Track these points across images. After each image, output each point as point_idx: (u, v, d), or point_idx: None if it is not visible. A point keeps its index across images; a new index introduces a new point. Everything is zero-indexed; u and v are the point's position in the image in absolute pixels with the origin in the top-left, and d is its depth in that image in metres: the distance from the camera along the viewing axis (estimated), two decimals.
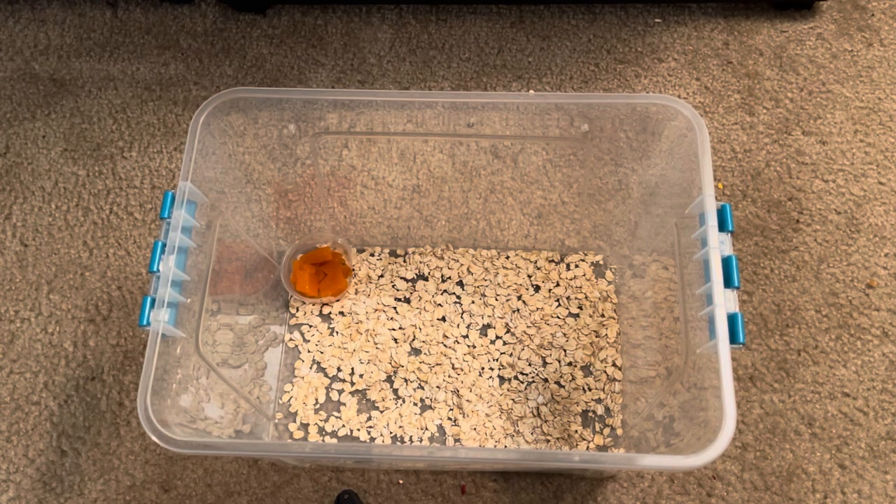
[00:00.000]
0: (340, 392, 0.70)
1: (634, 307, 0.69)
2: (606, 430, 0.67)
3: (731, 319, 0.48)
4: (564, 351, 0.70)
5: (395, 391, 0.70)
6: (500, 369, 0.70)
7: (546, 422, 0.68)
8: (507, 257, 0.75)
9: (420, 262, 0.75)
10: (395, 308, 0.73)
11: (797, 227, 0.76)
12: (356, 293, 0.74)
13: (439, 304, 0.73)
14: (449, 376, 0.70)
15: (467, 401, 0.69)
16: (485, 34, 0.88)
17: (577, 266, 0.75)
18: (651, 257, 0.66)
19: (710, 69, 0.85)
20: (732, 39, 0.86)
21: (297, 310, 0.74)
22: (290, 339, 0.72)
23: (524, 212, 0.71)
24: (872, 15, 0.87)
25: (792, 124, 0.81)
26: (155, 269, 0.51)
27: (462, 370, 0.70)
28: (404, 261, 0.76)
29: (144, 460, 0.67)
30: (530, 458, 0.56)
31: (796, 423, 0.67)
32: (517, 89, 0.84)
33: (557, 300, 0.73)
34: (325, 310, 0.73)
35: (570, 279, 0.74)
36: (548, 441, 0.67)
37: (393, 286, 0.74)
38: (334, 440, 0.68)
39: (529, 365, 0.70)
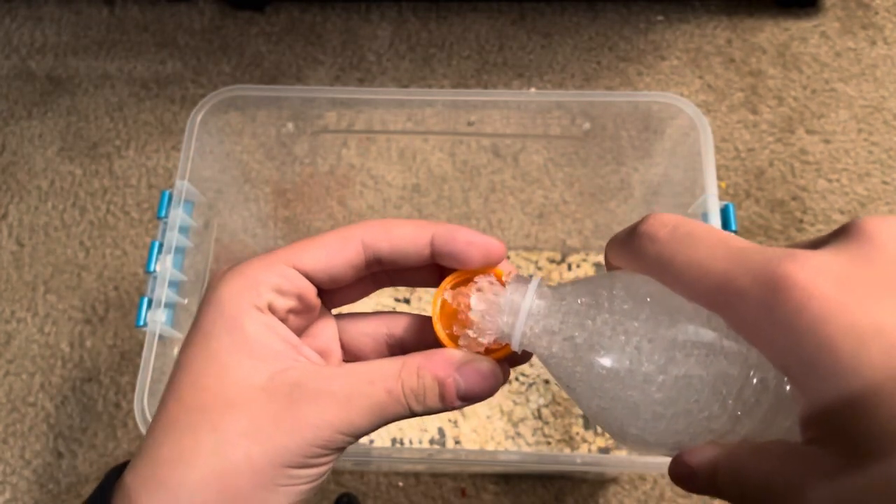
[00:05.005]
0: None
1: None
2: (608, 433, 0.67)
3: None
4: None
5: None
6: None
7: (547, 423, 0.67)
8: (508, 257, 0.75)
9: None
10: (394, 308, 0.72)
11: (801, 227, 0.75)
12: None
13: None
14: None
15: None
16: (485, 31, 0.87)
17: (578, 266, 0.74)
18: None
19: (713, 67, 0.84)
20: (735, 37, 0.86)
21: None
22: None
23: (525, 211, 0.71)
24: (876, 13, 0.87)
25: (795, 123, 0.81)
26: (152, 269, 0.50)
27: None
28: None
29: None
30: (531, 461, 0.55)
31: None
32: (518, 87, 0.84)
33: None
34: None
35: (572, 279, 0.73)
36: (549, 443, 0.66)
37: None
38: None
39: (530, 366, 0.69)
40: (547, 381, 0.69)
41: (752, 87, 0.83)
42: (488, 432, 0.67)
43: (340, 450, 0.25)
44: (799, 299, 0.18)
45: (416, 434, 0.67)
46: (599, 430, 0.67)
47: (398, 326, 0.29)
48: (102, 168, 0.80)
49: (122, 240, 0.76)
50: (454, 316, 0.26)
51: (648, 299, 0.22)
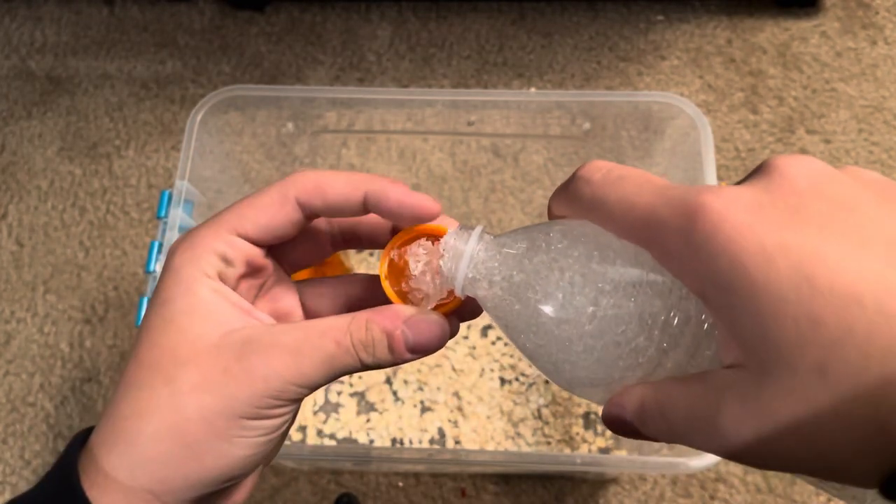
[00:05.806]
0: (339, 393, 0.69)
1: None
2: (608, 432, 0.67)
3: None
4: None
5: (395, 392, 0.69)
6: (500, 370, 0.69)
7: (547, 423, 0.67)
8: None
9: None
10: None
11: None
12: None
13: None
14: (449, 378, 0.69)
15: (468, 402, 0.68)
16: (485, 31, 0.87)
17: None
18: None
19: (714, 67, 0.84)
20: (735, 37, 0.86)
21: None
22: None
23: (525, 211, 0.71)
24: (876, 13, 0.87)
25: (796, 123, 0.81)
26: (152, 269, 0.50)
27: (462, 371, 0.69)
28: None
29: None
30: (531, 461, 0.55)
31: None
32: (518, 87, 0.84)
33: None
34: None
35: None
36: (549, 443, 0.66)
37: None
38: (333, 442, 0.67)
39: (530, 366, 0.69)
40: (547, 382, 0.69)
41: (752, 87, 0.83)
42: (488, 432, 0.67)
43: (296, 401, 0.26)
44: (713, 224, 0.19)
45: (416, 434, 0.67)
46: (600, 429, 0.67)
47: (355, 287, 0.31)
48: (102, 168, 0.80)
49: (121, 240, 0.76)
50: (403, 273, 0.27)
51: (582, 239, 0.24)
